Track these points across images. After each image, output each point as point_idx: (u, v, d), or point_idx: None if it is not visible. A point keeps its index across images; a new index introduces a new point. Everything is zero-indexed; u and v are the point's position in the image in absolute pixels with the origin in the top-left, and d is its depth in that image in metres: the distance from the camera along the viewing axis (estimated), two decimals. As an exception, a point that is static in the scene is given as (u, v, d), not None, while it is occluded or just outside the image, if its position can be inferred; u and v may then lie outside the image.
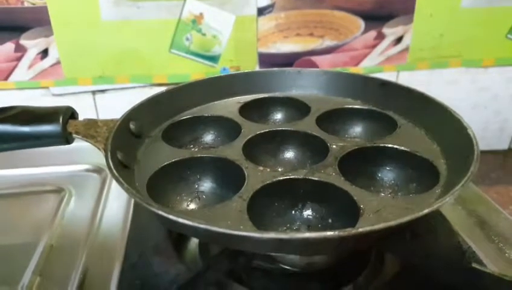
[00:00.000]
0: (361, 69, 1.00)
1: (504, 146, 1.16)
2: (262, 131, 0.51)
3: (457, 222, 0.53)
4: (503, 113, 1.10)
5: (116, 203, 0.57)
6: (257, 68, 0.98)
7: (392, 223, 0.30)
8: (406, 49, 1.00)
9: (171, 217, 0.32)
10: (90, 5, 0.87)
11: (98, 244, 0.51)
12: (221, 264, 0.41)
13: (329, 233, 0.29)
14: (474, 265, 0.39)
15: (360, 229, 0.29)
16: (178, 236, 0.50)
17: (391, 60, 1.01)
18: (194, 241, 0.50)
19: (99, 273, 0.46)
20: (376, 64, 1.01)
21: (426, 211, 0.31)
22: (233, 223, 0.36)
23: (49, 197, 0.59)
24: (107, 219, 0.55)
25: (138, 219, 0.52)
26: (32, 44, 0.89)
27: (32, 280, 0.45)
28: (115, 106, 0.96)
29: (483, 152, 1.21)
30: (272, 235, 0.30)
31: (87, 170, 0.64)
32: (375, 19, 0.96)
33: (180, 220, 0.31)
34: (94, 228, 0.53)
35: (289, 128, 0.52)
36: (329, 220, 0.41)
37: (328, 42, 0.97)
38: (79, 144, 0.51)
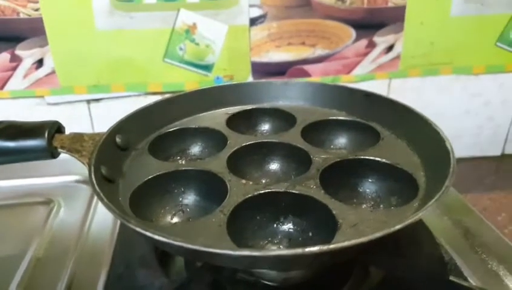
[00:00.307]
0: (353, 76, 1.01)
1: (497, 152, 1.16)
2: (247, 143, 0.52)
3: (441, 232, 0.54)
4: (496, 119, 1.11)
5: (104, 215, 0.57)
6: (250, 77, 0.99)
7: (362, 240, 0.31)
8: (398, 57, 1.01)
9: (147, 233, 0.33)
10: (84, 15, 0.88)
11: (85, 256, 0.51)
12: (204, 276, 0.42)
13: (298, 250, 0.30)
14: (452, 278, 0.40)
15: (325, 247, 0.30)
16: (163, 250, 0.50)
17: (383, 67, 1.02)
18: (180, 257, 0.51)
19: (85, 285, 0.47)
20: (368, 72, 1.01)
21: (397, 227, 0.32)
22: (212, 238, 0.37)
23: (38, 208, 0.59)
24: (95, 230, 0.56)
25: (125, 231, 0.53)
26: (27, 54, 0.90)
27: (18, 292, 0.46)
28: (110, 114, 0.97)
29: (476, 158, 1.20)
30: (244, 252, 0.30)
31: (77, 181, 0.65)
32: (366, 27, 0.97)
33: (155, 237, 0.32)
34: (82, 239, 0.54)
35: (274, 140, 0.53)
36: (310, 233, 0.42)
37: (320, 51, 0.98)
38: (68, 155, 0.52)
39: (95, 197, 0.61)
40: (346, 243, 0.30)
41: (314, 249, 0.30)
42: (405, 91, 1.05)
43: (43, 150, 0.44)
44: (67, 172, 0.66)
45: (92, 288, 0.45)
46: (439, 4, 0.96)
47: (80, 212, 0.58)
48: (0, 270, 0.49)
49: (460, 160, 1.20)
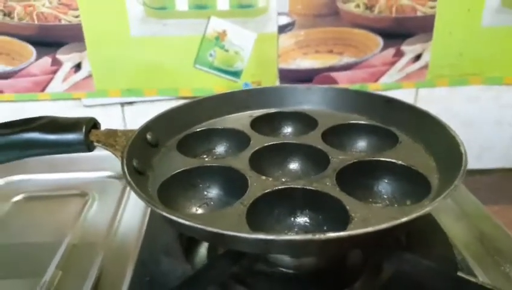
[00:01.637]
0: (380, 85, 1.02)
1: (528, 164, 1.15)
2: (268, 144, 0.55)
3: (457, 236, 0.55)
4: (526, 130, 1.10)
5: (135, 208, 0.62)
6: (277, 83, 1.01)
7: (368, 230, 0.33)
8: (425, 67, 1.02)
9: (171, 217, 0.36)
10: (120, 22, 0.93)
11: (115, 245, 0.55)
12: (224, 264, 0.45)
13: (309, 236, 0.32)
14: (459, 274, 0.41)
15: (333, 234, 0.32)
16: (188, 240, 0.53)
17: (410, 77, 1.02)
18: (203, 246, 0.54)
19: (115, 270, 0.51)
20: (395, 80, 1.02)
21: (403, 220, 0.34)
22: (232, 226, 0.39)
23: (74, 200, 0.64)
24: (126, 222, 0.60)
25: (153, 223, 0.57)
26: (67, 58, 0.95)
27: (54, 274, 0.50)
28: (141, 117, 1.01)
29: (507, 170, 1.19)
30: (259, 235, 0.33)
31: (110, 177, 0.69)
32: (393, 36, 0.98)
33: (179, 220, 0.35)
34: (113, 230, 0.58)
35: (294, 142, 0.55)
36: (324, 227, 0.44)
37: (347, 59, 1.00)
38: (102, 153, 0.56)
39: (126, 192, 0.65)
40: (353, 232, 0.33)
41: (323, 235, 0.32)
42: (432, 101, 1.05)
43: (81, 143, 0.48)
44: (101, 168, 0.71)
45: (122, 272, 0.49)
46: (469, 15, 0.97)
47: (112, 204, 0.62)
48: (41, 252, 0.53)
49: (491, 171, 1.19)
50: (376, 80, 1.03)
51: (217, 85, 1.00)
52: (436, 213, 0.56)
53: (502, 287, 0.42)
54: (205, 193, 0.51)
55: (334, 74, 1.01)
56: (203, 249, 0.53)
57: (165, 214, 0.36)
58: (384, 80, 1.02)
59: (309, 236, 0.32)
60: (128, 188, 0.66)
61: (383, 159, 0.50)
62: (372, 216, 0.40)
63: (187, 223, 0.35)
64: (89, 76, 0.98)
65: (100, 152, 0.56)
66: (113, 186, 0.67)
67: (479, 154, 1.09)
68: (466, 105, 1.06)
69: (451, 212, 0.59)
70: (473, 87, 1.04)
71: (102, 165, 0.71)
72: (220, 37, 0.96)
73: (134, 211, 0.61)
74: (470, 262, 0.49)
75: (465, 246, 0.52)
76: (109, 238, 0.56)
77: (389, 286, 0.46)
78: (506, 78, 1.04)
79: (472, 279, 0.40)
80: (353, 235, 0.33)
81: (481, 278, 0.46)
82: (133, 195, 0.64)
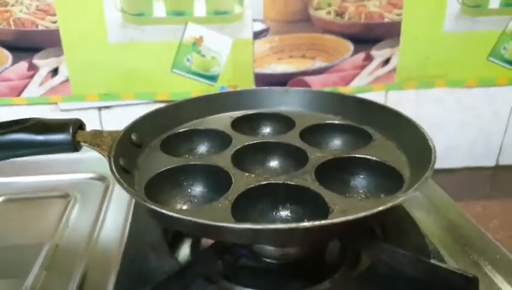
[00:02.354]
0: (351, 88, 1.06)
1: (491, 163, 1.21)
2: (250, 142, 0.57)
3: (428, 227, 0.58)
4: (488, 131, 1.15)
5: (117, 208, 0.63)
6: (253, 87, 1.04)
7: (348, 218, 0.35)
8: (394, 70, 1.06)
9: (162, 211, 0.37)
10: (98, 28, 0.94)
11: (100, 243, 0.56)
12: (209, 258, 0.47)
13: (294, 225, 0.35)
14: (432, 261, 0.44)
15: (322, 222, 0.35)
16: (173, 237, 0.55)
17: (380, 80, 1.07)
18: (187, 242, 0.56)
19: (100, 268, 0.51)
20: (365, 84, 1.07)
21: (380, 208, 0.37)
22: (218, 219, 0.41)
23: (56, 202, 0.65)
24: (109, 222, 0.61)
25: (137, 222, 0.58)
26: (44, 63, 0.96)
27: (39, 274, 0.51)
28: (119, 121, 1.02)
29: (471, 168, 1.24)
30: (246, 225, 0.35)
31: (92, 178, 0.70)
32: (363, 41, 1.03)
33: (169, 213, 0.37)
34: (96, 229, 0.59)
35: (274, 140, 0.58)
36: (305, 220, 0.47)
37: (319, 63, 1.03)
38: (84, 155, 0.58)
39: (108, 193, 0.66)
40: (335, 220, 0.35)
41: (307, 224, 0.35)
42: (401, 103, 1.10)
43: (68, 143, 0.49)
44: (82, 170, 0.71)
45: (107, 270, 0.50)
46: (432, 20, 1.02)
47: (94, 205, 0.63)
48: (24, 254, 0.54)
49: (455, 170, 1.25)
50: (347, 84, 1.07)
51: (194, 89, 1.02)
52: (408, 206, 0.59)
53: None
54: (189, 190, 0.52)
55: (307, 78, 1.05)
56: (187, 246, 0.55)
57: (156, 208, 0.38)
58: (355, 83, 1.07)
59: (294, 225, 0.35)
60: (110, 189, 0.67)
61: (358, 155, 0.53)
62: (350, 208, 0.43)
63: (178, 216, 0.37)
64: (66, 80, 0.98)
65: (80, 155, 0.57)
66: (95, 187, 0.68)
67: (444, 154, 1.15)
68: (432, 107, 1.11)
69: (422, 205, 0.63)
70: (438, 90, 1.09)
71: (83, 167, 0.72)
72: (197, 43, 0.98)
73: (116, 212, 0.62)
74: (441, 251, 0.52)
75: (435, 236, 0.56)
76: (93, 237, 0.57)
77: (368, 275, 0.49)
78: (468, 80, 1.09)
79: (444, 265, 0.43)
80: (335, 223, 0.35)
81: (452, 265, 0.49)
82: (115, 196, 0.66)
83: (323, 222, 0.35)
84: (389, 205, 0.38)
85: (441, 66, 1.07)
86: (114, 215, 0.62)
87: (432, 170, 0.43)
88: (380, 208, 0.37)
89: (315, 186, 0.47)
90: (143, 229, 0.55)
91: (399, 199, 0.39)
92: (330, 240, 0.46)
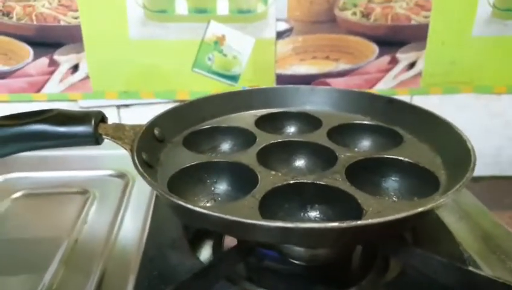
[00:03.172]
0: (375, 92, 1.04)
1: (518, 172, 1.17)
2: (275, 141, 0.55)
3: (461, 234, 0.56)
4: (516, 139, 1.12)
5: (137, 206, 0.61)
6: (275, 87, 1.02)
7: (388, 218, 0.33)
8: (419, 74, 1.04)
9: (188, 206, 0.36)
10: (119, 24, 0.93)
11: (119, 241, 0.55)
12: (233, 259, 0.44)
13: (330, 224, 0.32)
14: (470, 268, 0.41)
15: (359, 222, 0.33)
16: (194, 236, 0.53)
17: (404, 84, 1.04)
18: (208, 242, 0.54)
19: (120, 265, 0.50)
20: (390, 87, 1.04)
21: (420, 209, 0.35)
22: (245, 217, 0.39)
23: (76, 198, 0.63)
24: (128, 219, 0.59)
25: (157, 218, 0.56)
26: (64, 59, 0.95)
27: (58, 269, 0.49)
28: (138, 120, 1.01)
29: (496, 177, 1.21)
30: (278, 224, 0.33)
31: (111, 175, 0.69)
32: (389, 44, 1.00)
33: (196, 209, 0.35)
34: (116, 227, 0.57)
35: (301, 139, 0.56)
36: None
37: (343, 65, 1.01)
38: (104, 151, 0.56)
39: (128, 190, 0.65)
40: (373, 221, 0.33)
41: (344, 224, 0.32)
42: (426, 108, 1.07)
43: (90, 135, 0.47)
44: (102, 166, 0.70)
45: (127, 267, 0.49)
46: (461, 25, 0.99)
47: (113, 202, 0.62)
48: (45, 248, 0.53)
49: (480, 178, 1.21)
50: (371, 87, 1.04)
51: (215, 89, 1.00)
52: (439, 213, 0.56)
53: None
54: (213, 188, 0.51)
55: (330, 80, 1.03)
56: (208, 245, 0.53)
57: (182, 203, 0.36)
58: (379, 86, 1.04)
59: (330, 224, 0.32)
60: (130, 185, 0.66)
61: (390, 156, 0.50)
62: (384, 209, 0.41)
63: (206, 212, 0.35)
64: (86, 77, 0.97)
65: (100, 151, 0.56)
66: (114, 184, 0.67)
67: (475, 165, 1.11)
68: (457, 112, 1.08)
69: (453, 212, 0.60)
70: (464, 96, 1.06)
71: (102, 163, 0.70)
72: (218, 42, 0.97)
73: (136, 209, 0.61)
74: (477, 260, 0.50)
75: (469, 244, 0.53)
76: (112, 234, 0.55)
77: (397, 283, 0.46)
78: (496, 87, 1.06)
79: (484, 273, 0.41)
80: (372, 223, 0.33)
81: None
82: (134, 193, 0.64)
83: (359, 222, 0.33)
84: (429, 206, 0.36)
85: (467, 71, 1.04)
86: (133, 213, 0.60)
87: (473, 171, 0.41)
88: (420, 209, 0.35)
89: (346, 186, 0.45)
90: (163, 227, 0.54)
91: (440, 200, 0.37)
92: (363, 242, 0.44)
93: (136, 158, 0.44)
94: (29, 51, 0.93)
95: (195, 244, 0.52)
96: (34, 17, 0.90)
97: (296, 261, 0.46)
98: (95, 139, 0.48)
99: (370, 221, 0.33)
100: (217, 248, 0.52)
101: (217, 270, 0.43)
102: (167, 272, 0.45)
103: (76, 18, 0.92)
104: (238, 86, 1.01)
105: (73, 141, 0.47)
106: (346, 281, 0.47)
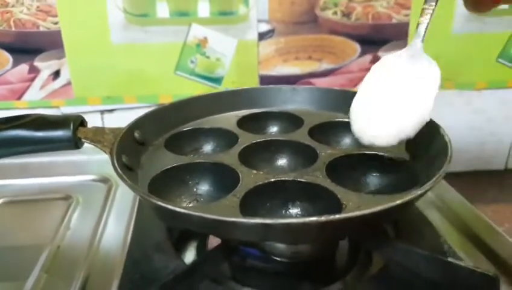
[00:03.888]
0: (356, 90, 1.04)
1: (500, 166, 1.18)
2: (257, 140, 0.55)
3: (444, 228, 0.56)
4: (498, 134, 1.13)
5: (120, 210, 0.61)
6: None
7: (366, 211, 0.33)
8: (401, 72, 1.04)
9: (168, 206, 0.35)
10: (100, 29, 0.92)
11: (102, 246, 0.54)
12: (217, 258, 0.44)
13: (308, 218, 0.32)
14: (450, 259, 0.42)
15: (337, 216, 0.33)
16: (178, 238, 0.53)
17: (387, 82, 1.05)
18: (192, 244, 0.54)
19: (103, 271, 0.50)
20: (372, 86, 1.04)
21: (398, 202, 0.35)
22: (227, 216, 0.39)
23: (58, 204, 0.63)
24: (112, 223, 0.59)
25: (141, 222, 0.56)
26: (45, 65, 0.94)
27: (39, 277, 0.49)
28: (122, 124, 1.01)
29: (480, 172, 1.22)
30: (257, 220, 0.33)
31: (94, 180, 0.69)
32: (370, 43, 1.01)
33: (177, 209, 0.35)
34: (99, 231, 0.57)
35: (282, 138, 0.56)
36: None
37: (325, 65, 1.02)
38: (86, 156, 0.56)
39: (111, 194, 0.64)
40: (351, 214, 0.33)
41: (321, 218, 0.33)
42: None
43: (69, 140, 0.47)
44: (85, 171, 0.70)
45: (110, 271, 0.48)
46: (440, 22, 1.00)
47: (96, 207, 0.62)
48: (26, 256, 0.52)
49: (464, 173, 1.22)
50: (354, 86, 1.05)
51: (198, 92, 0.99)
52: (421, 206, 0.57)
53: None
54: (195, 189, 0.51)
55: (314, 80, 1.03)
56: (192, 247, 0.53)
57: (163, 204, 0.36)
58: (363, 85, 1.04)
59: (308, 219, 0.32)
60: (113, 190, 0.65)
61: (370, 152, 0.51)
62: (364, 203, 0.41)
63: (186, 212, 0.35)
64: (68, 83, 0.96)
65: (83, 156, 0.55)
66: (97, 189, 0.67)
67: (453, 157, 1.12)
68: (441, 109, 1.08)
69: (434, 206, 0.61)
70: (447, 93, 1.07)
71: (85, 169, 0.70)
72: (201, 44, 0.97)
73: (119, 214, 0.61)
74: (458, 252, 0.50)
75: (450, 237, 0.54)
76: (95, 239, 0.55)
77: (380, 277, 0.46)
78: (478, 83, 1.07)
79: (464, 264, 0.41)
80: (350, 217, 0.33)
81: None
82: (118, 198, 0.64)
83: (337, 216, 0.33)
84: (407, 198, 0.36)
85: (449, 68, 1.05)
86: (117, 217, 0.60)
87: (449, 163, 0.42)
88: (398, 202, 0.35)
89: (326, 183, 0.45)
90: (147, 230, 0.53)
91: (417, 192, 0.37)
92: (343, 237, 0.44)
93: (115, 161, 0.44)
94: (8, 58, 0.92)
95: (179, 246, 0.52)
96: (12, 24, 0.89)
97: (279, 259, 0.46)
98: (74, 143, 0.48)
99: (348, 214, 0.33)
100: (201, 249, 0.52)
101: (200, 271, 0.43)
102: (151, 275, 0.45)
103: (56, 23, 0.91)
104: (221, 88, 1.01)
105: (53, 145, 0.47)
106: (331, 277, 0.48)
